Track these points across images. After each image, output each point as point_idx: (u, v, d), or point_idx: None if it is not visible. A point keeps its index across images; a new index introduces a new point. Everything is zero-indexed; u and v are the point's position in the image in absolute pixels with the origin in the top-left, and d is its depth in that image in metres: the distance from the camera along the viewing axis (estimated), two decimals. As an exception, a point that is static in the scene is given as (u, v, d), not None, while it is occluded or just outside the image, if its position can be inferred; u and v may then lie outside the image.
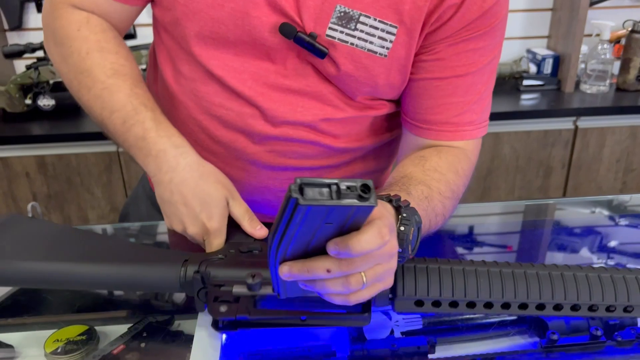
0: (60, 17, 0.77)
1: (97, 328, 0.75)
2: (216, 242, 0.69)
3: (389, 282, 0.55)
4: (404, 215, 0.58)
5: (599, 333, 0.68)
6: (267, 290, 0.56)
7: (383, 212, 0.51)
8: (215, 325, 0.59)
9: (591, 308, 0.62)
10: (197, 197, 0.69)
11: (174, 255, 0.62)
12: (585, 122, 2.00)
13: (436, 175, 0.72)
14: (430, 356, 0.66)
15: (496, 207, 1.28)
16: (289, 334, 0.71)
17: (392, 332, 0.70)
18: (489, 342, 0.70)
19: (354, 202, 0.40)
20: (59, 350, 0.71)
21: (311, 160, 0.83)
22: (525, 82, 2.14)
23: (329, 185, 0.41)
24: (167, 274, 0.59)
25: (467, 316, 0.73)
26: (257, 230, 0.71)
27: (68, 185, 1.90)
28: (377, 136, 0.86)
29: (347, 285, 0.50)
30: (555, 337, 0.67)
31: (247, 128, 0.80)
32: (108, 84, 0.73)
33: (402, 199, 0.60)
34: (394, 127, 0.87)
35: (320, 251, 0.48)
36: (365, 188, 0.41)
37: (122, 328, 0.74)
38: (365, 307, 0.59)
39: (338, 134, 0.82)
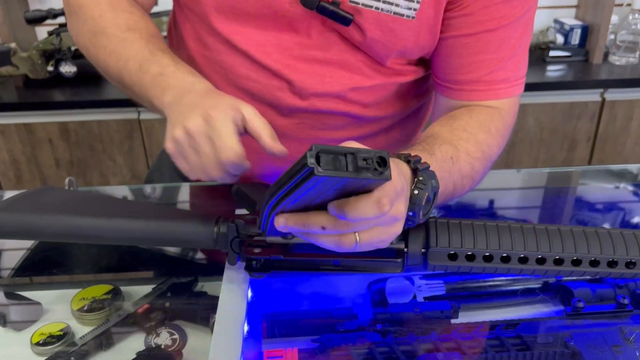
0: None
1: (121, 288, 0.76)
2: (226, 144, 0.58)
3: (384, 244, 0.54)
4: (420, 178, 0.56)
5: (625, 301, 0.67)
6: (300, 239, 0.56)
7: (393, 178, 0.50)
8: (249, 268, 0.59)
9: (628, 265, 0.60)
10: (208, 100, 0.61)
11: (205, 215, 0.62)
12: (613, 95, 1.95)
13: (464, 135, 0.70)
14: (453, 321, 0.66)
15: (517, 174, 1.25)
16: (311, 297, 0.72)
17: (414, 297, 0.70)
18: (513, 309, 0.70)
19: (369, 175, 0.41)
20: (85, 308, 0.72)
21: (340, 132, 0.82)
22: (552, 53, 2.09)
23: (345, 155, 0.41)
24: (201, 228, 0.59)
25: (490, 283, 0.73)
26: (277, 145, 0.62)
27: (90, 152, 1.92)
28: (406, 103, 0.84)
29: (339, 244, 0.50)
30: (581, 304, 0.67)
31: (274, 101, 0.78)
32: (123, 37, 0.71)
33: (422, 161, 0.58)
34: (422, 92, 0.85)
35: (318, 206, 0.48)
36: (382, 161, 0.41)
37: (146, 288, 0.75)
38: (398, 253, 0.59)
39: (367, 102, 0.80)
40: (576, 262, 0.59)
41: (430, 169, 0.58)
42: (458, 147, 0.68)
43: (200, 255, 0.85)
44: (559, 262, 0.59)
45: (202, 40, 0.78)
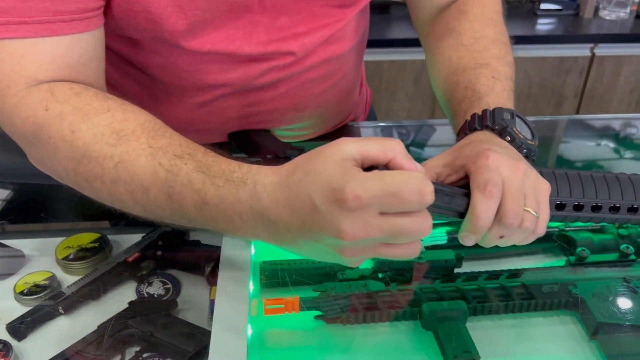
0: (17, 109, 0.55)
1: (109, 237, 0.73)
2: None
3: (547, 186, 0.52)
4: (508, 138, 0.56)
5: (629, 251, 0.66)
6: None
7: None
8: None
9: None
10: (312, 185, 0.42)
11: None
12: (602, 50, 1.93)
13: (479, 46, 0.68)
14: (457, 270, 0.64)
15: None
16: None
17: (415, 246, 0.68)
18: (516, 259, 0.69)
19: None
20: (70, 257, 0.69)
21: (327, 82, 0.83)
22: (543, 6, 2.05)
23: None
24: None
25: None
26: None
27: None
28: (364, 23, 0.86)
29: (526, 227, 0.49)
30: (584, 254, 0.66)
31: (255, 84, 0.77)
32: (118, 157, 0.52)
33: (479, 114, 0.58)
34: (360, 26, 0.86)
35: None
36: None
37: (136, 237, 0.72)
38: None
39: (341, 41, 0.80)
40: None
41: (497, 106, 0.59)
42: (488, 62, 0.66)
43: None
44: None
45: (165, 58, 0.72)
